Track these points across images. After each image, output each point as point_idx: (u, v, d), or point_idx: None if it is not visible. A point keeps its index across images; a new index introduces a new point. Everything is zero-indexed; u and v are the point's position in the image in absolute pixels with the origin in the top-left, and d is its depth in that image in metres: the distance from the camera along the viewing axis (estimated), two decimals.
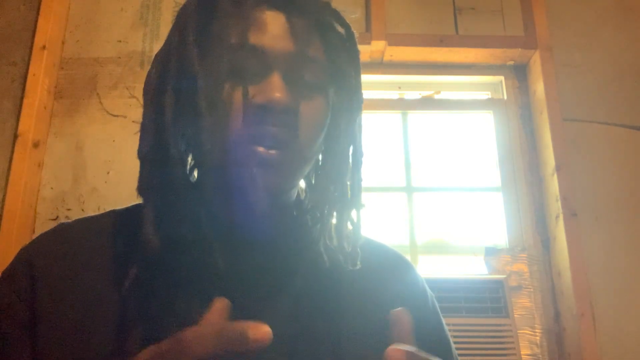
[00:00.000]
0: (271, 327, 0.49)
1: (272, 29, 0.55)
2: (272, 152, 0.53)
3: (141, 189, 0.55)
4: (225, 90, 0.53)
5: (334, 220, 0.60)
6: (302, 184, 0.65)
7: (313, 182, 0.64)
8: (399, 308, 0.45)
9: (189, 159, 0.60)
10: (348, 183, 0.60)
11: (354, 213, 0.60)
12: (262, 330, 0.36)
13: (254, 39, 0.54)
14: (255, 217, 0.57)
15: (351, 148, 0.61)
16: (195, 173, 0.61)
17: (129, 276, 0.54)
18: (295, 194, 0.64)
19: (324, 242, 0.60)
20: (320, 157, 0.62)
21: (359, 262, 0.58)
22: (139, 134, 0.57)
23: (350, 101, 0.60)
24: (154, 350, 0.38)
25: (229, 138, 0.53)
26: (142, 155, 0.55)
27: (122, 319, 0.52)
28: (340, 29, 0.61)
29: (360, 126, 0.63)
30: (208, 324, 0.39)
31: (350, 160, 0.61)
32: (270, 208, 0.57)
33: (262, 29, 0.55)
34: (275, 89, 0.53)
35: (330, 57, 0.58)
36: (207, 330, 0.37)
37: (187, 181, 0.57)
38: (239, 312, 0.54)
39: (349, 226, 0.60)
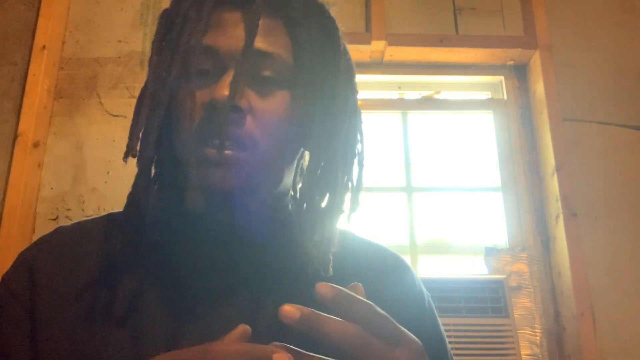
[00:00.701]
0: (252, 327, 0.49)
1: (228, 29, 0.55)
2: (224, 152, 0.52)
3: (130, 195, 0.57)
4: (179, 92, 0.54)
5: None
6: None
7: (300, 184, 0.63)
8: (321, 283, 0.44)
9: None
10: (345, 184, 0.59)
11: (332, 220, 0.57)
12: (285, 357, 0.38)
13: (208, 39, 0.54)
14: (232, 216, 0.56)
15: (343, 150, 0.59)
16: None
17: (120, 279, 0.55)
18: (289, 193, 0.64)
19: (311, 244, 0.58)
20: (306, 158, 0.61)
21: (331, 269, 0.57)
22: None
23: (328, 98, 0.57)
24: (177, 356, 0.40)
25: (182, 139, 0.53)
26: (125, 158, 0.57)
27: (120, 319, 0.53)
28: (326, 23, 0.59)
29: (354, 126, 0.60)
30: (234, 342, 0.41)
31: (344, 163, 0.59)
32: (251, 207, 0.56)
33: (218, 30, 0.55)
34: (224, 87, 0.52)
35: (298, 53, 0.57)
36: (235, 347, 0.39)
37: (165, 182, 0.57)
38: (219, 310, 0.54)
39: (326, 231, 0.57)
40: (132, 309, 0.53)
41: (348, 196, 0.60)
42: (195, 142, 0.53)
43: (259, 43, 0.54)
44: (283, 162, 0.58)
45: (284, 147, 0.57)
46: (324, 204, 0.57)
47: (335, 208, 0.57)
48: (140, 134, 0.54)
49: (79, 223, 0.62)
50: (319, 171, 0.57)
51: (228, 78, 0.52)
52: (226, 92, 0.51)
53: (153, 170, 0.59)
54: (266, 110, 0.54)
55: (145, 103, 0.54)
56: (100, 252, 0.57)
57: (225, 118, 0.51)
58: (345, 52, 0.62)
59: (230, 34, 0.54)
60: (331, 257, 0.57)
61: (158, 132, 0.54)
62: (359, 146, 0.61)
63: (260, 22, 0.54)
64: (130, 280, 0.55)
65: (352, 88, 0.61)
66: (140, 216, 0.55)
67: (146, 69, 1.88)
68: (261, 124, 0.54)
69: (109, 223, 0.61)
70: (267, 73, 0.55)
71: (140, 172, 0.54)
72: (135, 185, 0.55)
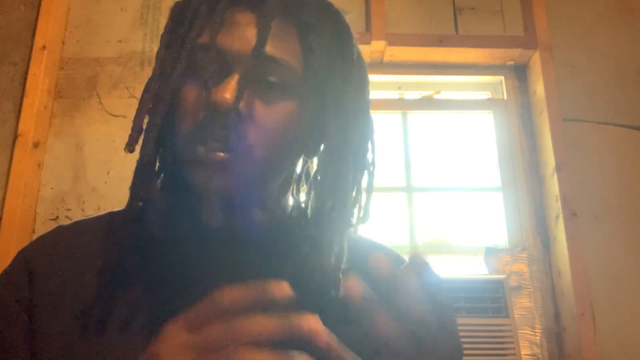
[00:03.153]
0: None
1: (238, 30, 0.54)
2: (217, 154, 0.52)
3: (130, 192, 0.56)
4: (182, 91, 0.53)
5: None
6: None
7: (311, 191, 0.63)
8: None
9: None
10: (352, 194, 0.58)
11: (340, 237, 0.56)
12: (284, 287, 0.38)
13: (217, 39, 0.53)
14: (226, 218, 0.56)
15: (354, 160, 0.58)
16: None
17: (117, 277, 0.54)
18: (291, 200, 0.63)
19: (313, 254, 0.57)
20: (315, 165, 0.61)
21: (341, 290, 0.57)
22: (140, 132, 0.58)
23: (339, 105, 0.57)
24: (188, 315, 0.40)
25: (180, 138, 0.53)
26: (127, 152, 0.57)
27: (120, 321, 0.53)
28: (340, 30, 0.59)
29: (365, 136, 0.60)
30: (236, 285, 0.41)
31: (354, 174, 0.58)
32: (241, 209, 0.56)
33: (228, 30, 0.54)
34: (227, 90, 0.51)
35: (308, 59, 0.56)
36: (237, 288, 0.39)
37: (164, 182, 0.57)
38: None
39: (334, 247, 0.56)
40: (134, 312, 0.53)
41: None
42: (191, 141, 0.52)
43: (269, 48, 0.53)
44: (279, 168, 0.58)
45: (282, 154, 0.56)
46: (332, 215, 0.56)
47: (344, 220, 0.57)
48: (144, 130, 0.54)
49: (78, 222, 0.61)
50: (327, 181, 0.56)
51: (232, 81, 0.52)
52: (228, 96, 0.51)
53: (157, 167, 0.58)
54: (268, 117, 0.54)
55: (148, 98, 0.54)
56: (101, 252, 0.57)
57: (224, 121, 0.51)
58: (360, 60, 0.61)
59: (239, 36, 0.54)
60: (341, 276, 0.56)
61: (160, 129, 0.53)
62: (369, 155, 0.60)
63: (273, 26, 0.54)
64: (132, 281, 0.55)
65: (364, 97, 0.60)
66: (142, 215, 0.55)
67: (146, 68, 1.89)
68: (260, 130, 0.53)
69: (110, 222, 0.60)
70: (273, 79, 0.54)
71: (139, 170, 0.54)
72: (134, 183, 0.55)
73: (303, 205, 0.64)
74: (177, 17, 0.57)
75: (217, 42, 0.53)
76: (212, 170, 0.52)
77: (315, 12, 0.57)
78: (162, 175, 0.58)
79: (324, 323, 0.55)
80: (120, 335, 0.52)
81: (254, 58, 0.52)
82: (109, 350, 0.51)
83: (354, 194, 0.58)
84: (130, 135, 0.55)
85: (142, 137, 0.57)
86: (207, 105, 0.51)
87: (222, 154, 0.52)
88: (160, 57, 0.56)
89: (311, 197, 0.62)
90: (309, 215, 0.60)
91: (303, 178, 0.66)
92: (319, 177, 0.58)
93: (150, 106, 0.54)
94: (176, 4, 0.59)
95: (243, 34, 0.54)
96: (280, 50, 0.54)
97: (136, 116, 0.55)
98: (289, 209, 0.63)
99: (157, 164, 0.57)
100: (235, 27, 0.54)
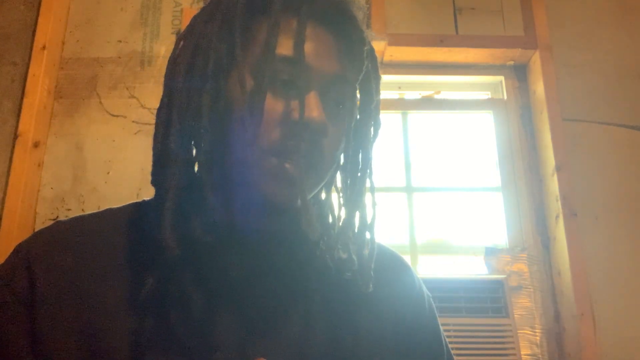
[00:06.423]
0: (284, 330, 0.48)
1: (321, 48, 0.55)
2: (298, 169, 0.53)
3: (158, 186, 0.55)
4: (266, 99, 0.53)
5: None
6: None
7: (323, 196, 0.65)
8: None
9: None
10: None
11: (367, 234, 0.60)
12: None
13: (304, 54, 0.54)
14: (263, 224, 0.58)
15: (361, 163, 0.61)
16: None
17: (145, 281, 0.53)
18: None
19: (331, 253, 0.60)
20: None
21: (371, 285, 0.58)
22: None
23: (369, 123, 0.61)
24: None
25: (261, 147, 0.53)
26: (164, 149, 0.55)
27: (129, 320, 0.52)
28: (372, 48, 0.61)
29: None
30: None
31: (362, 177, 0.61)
32: (292, 216, 0.58)
33: (313, 46, 0.55)
34: (315, 107, 0.53)
35: (361, 81, 0.59)
36: None
37: (201, 181, 0.56)
38: (253, 316, 0.54)
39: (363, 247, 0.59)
40: (154, 313, 0.52)
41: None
42: (273, 154, 0.53)
43: (344, 70, 0.56)
44: (329, 180, 0.61)
45: (333, 167, 0.59)
46: (357, 217, 0.60)
47: (373, 221, 0.60)
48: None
49: (77, 218, 0.60)
50: (355, 189, 0.59)
51: (314, 98, 0.53)
52: (317, 114, 0.52)
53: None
54: (335, 135, 0.56)
55: (206, 98, 0.53)
56: (106, 250, 0.56)
57: (315, 139, 0.53)
58: None
59: (322, 55, 0.55)
60: (372, 274, 0.59)
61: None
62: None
63: (344, 48, 0.57)
64: (158, 285, 0.53)
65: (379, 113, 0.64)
66: (194, 218, 0.53)
67: (146, 68, 1.89)
68: (331, 147, 0.56)
69: (112, 219, 0.59)
70: (339, 98, 0.57)
71: (197, 173, 0.54)
72: (193, 188, 0.54)
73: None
74: (247, 13, 0.56)
75: (304, 58, 0.54)
76: (294, 185, 0.53)
77: (360, 31, 0.59)
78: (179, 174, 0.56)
79: (350, 316, 0.57)
80: (132, 336, 0.51)
81: (335, 80, 0.55)
82: (115, 348, 0.51)
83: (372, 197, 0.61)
84: (177, 138, 0.54)
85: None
86: (299, 122, 0.52)
87: (304, 171, 0.53)
88: (239, 61, 0.54)
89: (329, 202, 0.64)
90: (335, 219, 0.63)
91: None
92: (346, 184, 0.61)
93: (249, 118, 0.52)
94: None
95: (325, 52, 0.55)
96: (350, 72, 0.57)
97: (200, 120, 0.54)
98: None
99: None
100: (318, 44, 0.55)
